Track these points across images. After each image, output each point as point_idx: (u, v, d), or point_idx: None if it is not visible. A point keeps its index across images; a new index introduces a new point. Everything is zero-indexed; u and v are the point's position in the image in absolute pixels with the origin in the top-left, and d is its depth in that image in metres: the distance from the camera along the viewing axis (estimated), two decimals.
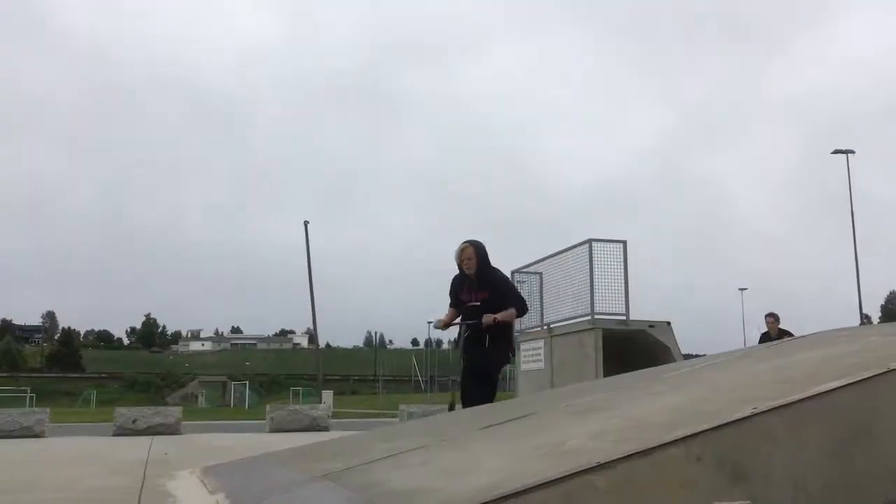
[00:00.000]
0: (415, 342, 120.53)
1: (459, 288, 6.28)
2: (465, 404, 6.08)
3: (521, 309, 6.28)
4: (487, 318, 5.90)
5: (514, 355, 6.32)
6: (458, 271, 6.28)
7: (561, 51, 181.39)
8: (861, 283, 32.08)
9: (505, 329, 6.18)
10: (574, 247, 12.64)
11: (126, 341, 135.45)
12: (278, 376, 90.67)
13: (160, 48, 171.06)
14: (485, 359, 6.08)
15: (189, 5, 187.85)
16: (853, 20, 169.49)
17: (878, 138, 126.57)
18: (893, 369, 2.54)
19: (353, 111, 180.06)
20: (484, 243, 6.27)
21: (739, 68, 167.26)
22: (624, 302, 11.87)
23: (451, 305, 6.36)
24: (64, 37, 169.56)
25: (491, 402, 5.99)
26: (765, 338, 10.37)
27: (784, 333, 10.03)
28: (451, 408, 6.55)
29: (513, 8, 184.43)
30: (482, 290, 6.12)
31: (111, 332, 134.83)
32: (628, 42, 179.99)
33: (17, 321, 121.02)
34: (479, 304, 6.07)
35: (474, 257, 6.16)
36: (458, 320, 6.27)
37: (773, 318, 10.53)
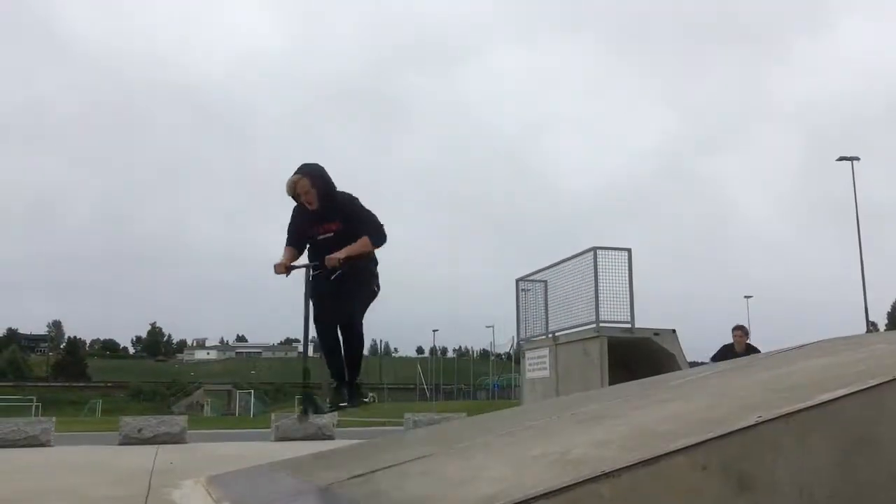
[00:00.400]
0: (419, 350, 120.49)
1: (303, 220, 5.16)
2: (333, 365, 5.18)
3: (377, 236, 5.09)
4: (331, 259, 4.80)
5: (378, 290, 5.23)
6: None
7: (562, 52, 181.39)
8: (867, 289, 31.99)
9: (363, 263, 5.08)
10: (578, 255, 12.66)
11: (131, 350, 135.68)
12: (283, 385, 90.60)
13: (161, 51, 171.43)
14: (343, 307, 5.02)
15: (189, 8, 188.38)
16: (855, 22, 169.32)
17: (882, 141, 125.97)
18: None
19: (355, 114, 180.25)
20: (321, 165, 5.13)
21: (742, 71, 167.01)
22: (629, 309, 11.87)
23: (288, 244, 5.22)
24: (64, 39, 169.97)
25: (360, 356, 5.29)
26: (726, 350, 9.47)
27: (751, 349, 9.24)
28: (309, 408, 5.30)
29: (514, 10, 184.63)
30: (331, 219, 5.04)
31: (116, 341, 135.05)
32: (629, 43, 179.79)
33: (23, 330, 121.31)
34: (331, 235, 5.01)
35: (313, 190, 4.98)
36: (301, 262, 5.16)
37: (741, 331, 9.62)
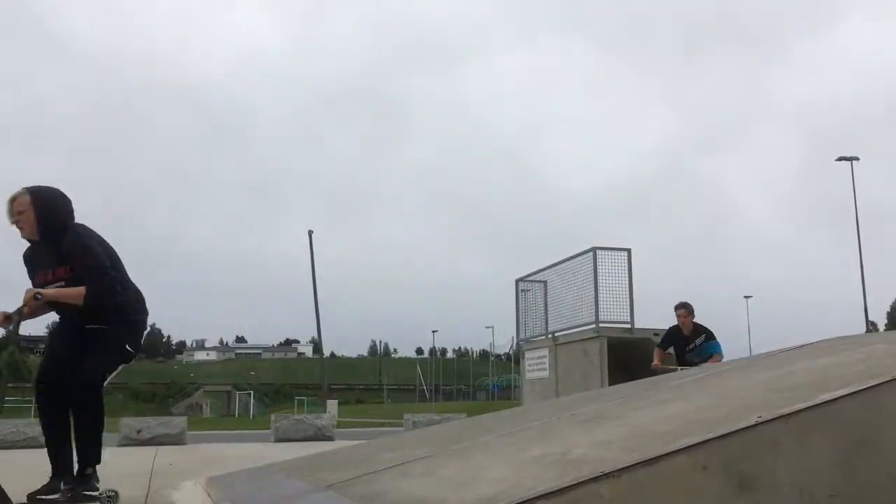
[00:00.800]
0: (419, 351, 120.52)
1: (30, 266, 4.18)
2: (58, 448, 4.04)
3: (96, 287, 3.95)
4: (29, 292, 3.90)
5: (135, 352, 4.25)
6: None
7: (562, 52, 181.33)
8: (866, 289, 32.02)
9: (113, 315, 4.06)
10: (578, 255, 12.66)
11: None
12: (283, 386, 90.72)
13: (161, 51, 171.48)
14: (83, 365, 3.96)
15: (189, 8, 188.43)
16: (855, 22, 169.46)
17: (882, 141, 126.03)
18: None
19: (355, 114, 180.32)
20: (61, 192, 4.14)
21: (742, 71, 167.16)
22: (629, 310, 11.87)
23: None
24: (64, 39, 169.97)
25: (99, 435, 4.08)
26: (674, 333, 8.45)
27: (700, 329, 8.29)
28: None
29: (514, 10, 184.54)
30: (61, 263, 4.00)
31: None
32: (629, 43, 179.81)
33: (22, 332, 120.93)
34: (62, 284, 3.99)
35: (30, 210, 3.96)
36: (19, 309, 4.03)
37: (685, 309, 8.27)
